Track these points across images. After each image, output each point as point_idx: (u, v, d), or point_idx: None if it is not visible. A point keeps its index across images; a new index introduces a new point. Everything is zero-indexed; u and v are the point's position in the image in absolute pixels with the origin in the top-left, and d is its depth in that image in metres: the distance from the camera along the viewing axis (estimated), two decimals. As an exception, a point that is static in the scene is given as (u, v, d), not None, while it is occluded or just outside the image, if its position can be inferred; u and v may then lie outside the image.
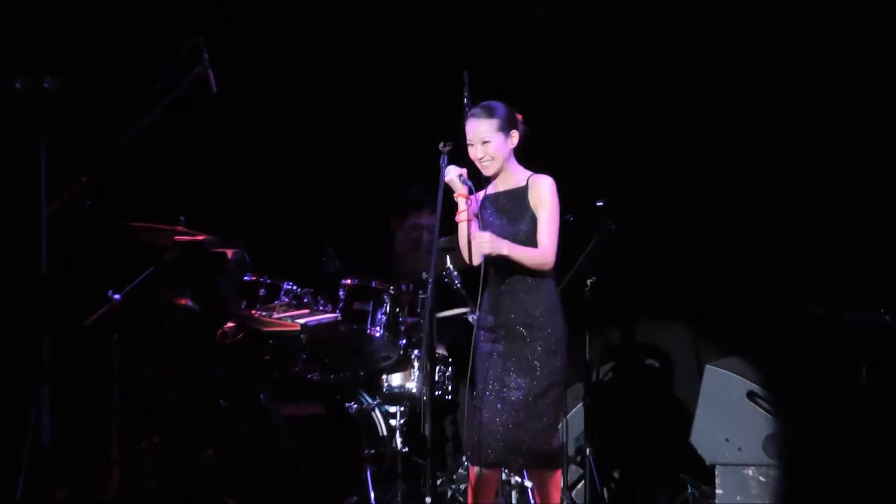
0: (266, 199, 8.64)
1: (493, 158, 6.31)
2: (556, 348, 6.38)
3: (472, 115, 6.30)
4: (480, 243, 6.08)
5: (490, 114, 6.29)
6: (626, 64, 8.27)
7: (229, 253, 7.31)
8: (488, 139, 6.28)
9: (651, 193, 8.20)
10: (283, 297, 7.40)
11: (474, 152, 6.34)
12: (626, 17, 8.21)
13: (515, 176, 6.35)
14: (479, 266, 6.41)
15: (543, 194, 6.22)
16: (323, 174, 8.76)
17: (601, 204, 7.55)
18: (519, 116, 6.41)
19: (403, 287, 7.61)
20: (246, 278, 7.41)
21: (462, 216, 6.28)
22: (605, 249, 7.54)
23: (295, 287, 7.43)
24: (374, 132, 8.68)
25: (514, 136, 6.35)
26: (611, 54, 8.26)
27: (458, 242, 6.41)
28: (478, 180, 6.45)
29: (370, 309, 7.38)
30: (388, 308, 7.40)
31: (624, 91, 8.28)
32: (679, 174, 8.24)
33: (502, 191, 6.42)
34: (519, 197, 6.31)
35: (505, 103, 6.37)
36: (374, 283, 7.47)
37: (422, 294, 7.49)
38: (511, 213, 6.32)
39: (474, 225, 6.24)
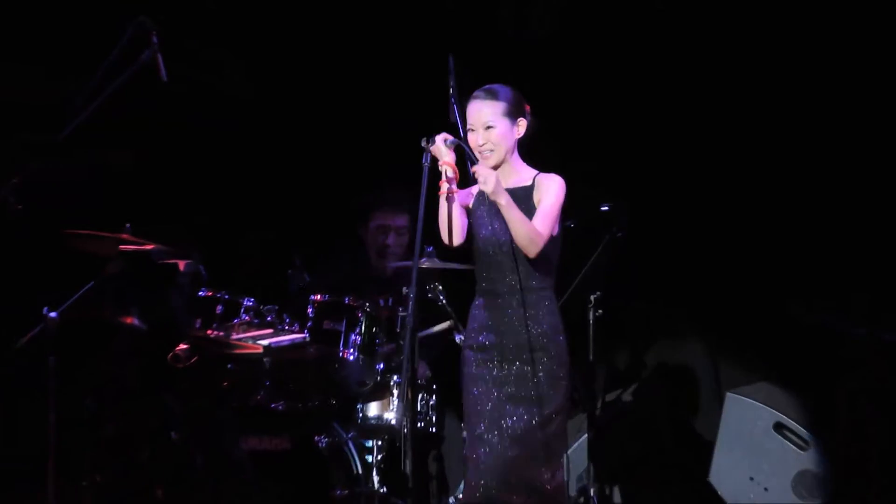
0: (224, 203, 8.16)
1: (495, 147, 5.88)
2: (560, 373, 5.87)
3: (475, 97, 5.90)
4: (486, 178, 5.63)
5: (495, 96, 5.89)
6: (630, 63, 7.98)
7: (182, 265, 6.83)
8: (492, 124, 5.86)
9: (660, 197, 7.76)
10: (244, 315, 6.92)
11: (475, 138, 5.89)
12: (627, 17, 7.97)
13: (519, 173, 5.94)
14: (463, 276, 5.97)
15: (551, 189, 5.81)
16: (291, 176, 8.28)
17: (606, 209, 7.00)
18: (527, 107, 5.99)
19: (381, 302, 7.12)
20: (201, 294, 6.93)
21: (444, 187, 5.76)
22: (610, 260, 7.03)
23: (257, 304, 6.96)
24: (350, 131, 8.24)
25: (521, 125, 5.94)
26: (612, 54, 7.98)
27: (437, 224, 5.93)
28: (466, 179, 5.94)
29: (343, 329, 6.92)
30: (363, 328, 6.95)
31: (628, 91, 7.97)
32: (691, 177, 7.85)
33: (506, 188, 5.88)
34: (522, 197, 5.86)
35: (513, 88, 5.98)
36: (347, 300, 7.00)
37: (402, 312, 7.00)
38: (516, 203, 5.85)
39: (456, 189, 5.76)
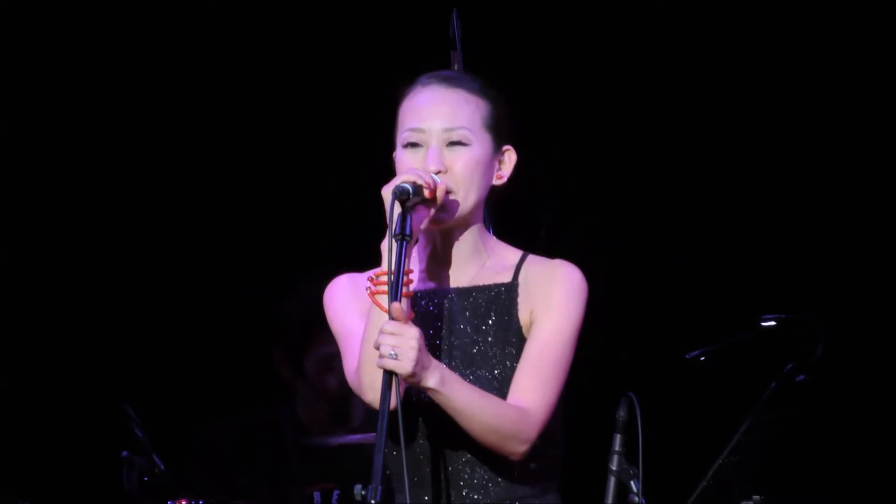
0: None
1: (462, 185, 3.14)
2: None
3: (441, 80, 3.19)
4: (401, 348, 2.90)
5: (478, 90, 3.20)
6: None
7: None
8: (466, 138, 3.14)
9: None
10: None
11: (414, 161, 3.15)
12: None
13: (489, 256, 3.25)
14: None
15: (567, 297, 3.18)
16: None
17: (770, 324, 4.06)
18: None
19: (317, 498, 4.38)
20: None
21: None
22: (777, 432, 4.01)
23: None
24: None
25: (508, 161, 3.23)
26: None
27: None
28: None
29: None
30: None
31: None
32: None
33: (458, 286, 3.25)
34: (494, 307, 3.27)
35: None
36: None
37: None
38: (479, 324, 3.26)
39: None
